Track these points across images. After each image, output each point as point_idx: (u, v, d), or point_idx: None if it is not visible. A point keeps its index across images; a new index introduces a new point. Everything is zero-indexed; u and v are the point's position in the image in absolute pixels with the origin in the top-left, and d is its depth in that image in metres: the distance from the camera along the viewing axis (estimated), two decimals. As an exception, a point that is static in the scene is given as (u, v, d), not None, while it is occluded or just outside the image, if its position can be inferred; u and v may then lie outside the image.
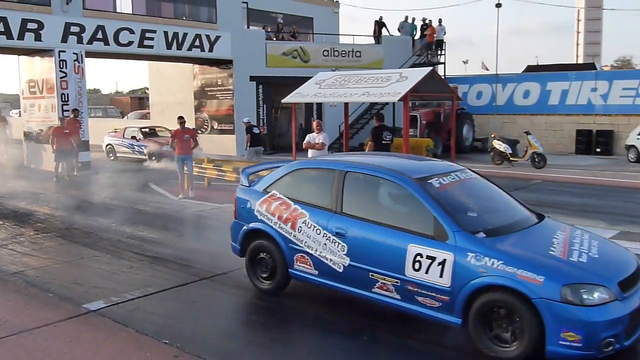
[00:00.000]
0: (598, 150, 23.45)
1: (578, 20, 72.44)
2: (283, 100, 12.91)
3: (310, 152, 12.71)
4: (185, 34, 22.09)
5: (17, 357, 5.21)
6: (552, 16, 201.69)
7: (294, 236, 6.07)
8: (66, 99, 19.31)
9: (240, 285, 7.15)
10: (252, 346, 5.36)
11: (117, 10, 20.91)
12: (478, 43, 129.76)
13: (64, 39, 19.22)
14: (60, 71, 19.17)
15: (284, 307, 6.40)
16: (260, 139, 16.47)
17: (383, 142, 11.67)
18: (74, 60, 19.43)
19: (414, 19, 28.76)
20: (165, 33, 21.61)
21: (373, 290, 5.49)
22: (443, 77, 26.58)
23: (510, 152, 20.01)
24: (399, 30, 28.49)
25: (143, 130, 22.40)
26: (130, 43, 20.83)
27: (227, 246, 9.33)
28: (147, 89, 32.96)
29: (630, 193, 14.51)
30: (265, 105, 24.77)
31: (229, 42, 23.27)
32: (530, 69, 28.85)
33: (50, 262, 8.41)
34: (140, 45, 21.13)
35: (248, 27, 25.86)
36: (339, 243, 5.70)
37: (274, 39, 25.68)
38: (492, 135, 21.50)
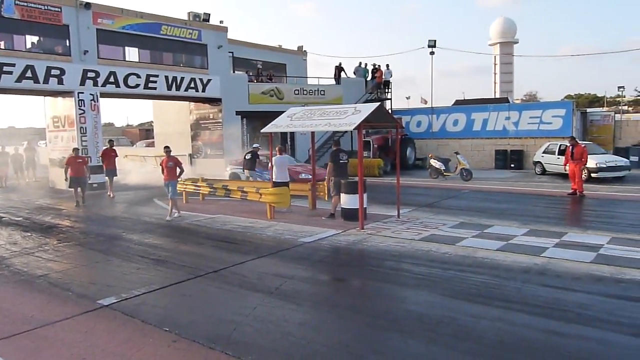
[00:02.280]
0: (512, 165, 23.85)
1: (495, 64, 73.95)
2: (262, 131, 12.85)
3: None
4: (182, 78, 21.92)
5: (40, 347, 5.04)
6: (475, 60, 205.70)
7: None
8: (84, 132, 18.99)
9: (227, 281, 7.06)
10: (237, 330, 5.28)
11: (126, 59, 20.68)
12: (418, 82, 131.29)
13: (82, 83, 18.93)
14: (80, 109, 18.85)
15: (266, 297, 6.33)
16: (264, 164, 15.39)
17: (340, 161, 11.74)
18: (91, 100, 19.12)
19: (366, 64, 28.98)
20: (166, 77, 21.42)
21: None
22: (390, 110, 26.96)
23: (444, 168, 20.24)
24: (354, 73, 28.67)
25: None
26: (137, 85, 20.59)
27: (216, 249, 9.29)
28: (153, 122, 32.51)
29: (536, 199, 14.76)
30: (248, 135, 24.66)
31: (218, 84, 23.16)
32: (458, 102, 29.27)
33: (70, 266, 8.19)
34: (146, 87, 20.90)
35: (234, 72, 25.73)
36: None
37: (255, 81, 25.60)
38: (429, 155, 21.73)
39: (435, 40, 27.91)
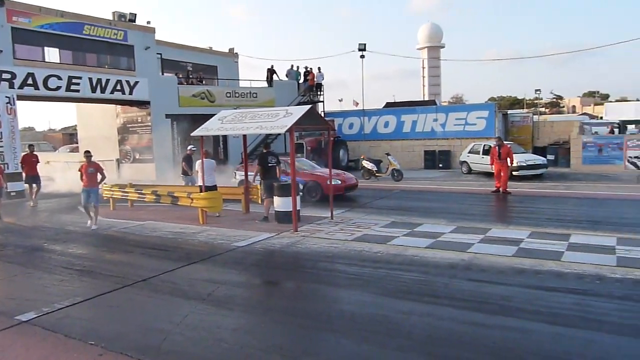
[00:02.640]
0: (440, 165, 24.78)
1: (423, 68, 76.37)
2: (192, 134, 12.59)
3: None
4: (107, 80, 21.10)
5: (-50, 369, 4.68)
6: (406, 64, 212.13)
7: None
8: (0, 137, 17.80)
9: (157, 290, 6.85)
10: (167, 339, 5.13)
11: (46, 60, 19.63)
12: (351, 85, 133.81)
13: (-4, 85, 17.78)
14: (-6, 112, 17.67)
15: (198, 304, 6.20)
16: None
17: (269, 164, 11.79)
18: (7, 103, 17.98)
19: (298, 67, 29.11)
20: (90, 79, 20.55)
21: None
22: (322, 112, 27.25)
23: (376, 169, 20.68)
24: (286, 75, 28.71)
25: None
26: (58, 88, 19.61)
27: (145, 256, 8.98)
28: (77, 126, 31.00)
29: (463, 197, 15.41)
30: (179, 138, 24.07)
31: (146, 86, 22.48)
32: (388, 105, 29.98)
33: (-15, 280, 7.65)
34: (68, 89, 19.94)
35: (162, 74, 25.09)
36: None
37: (185, 83, 25.06)
38: (362, 157, 22.12)
39: (365, 44, 28.52)
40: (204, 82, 26.25)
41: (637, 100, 63.84)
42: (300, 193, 13.70)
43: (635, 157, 20.85)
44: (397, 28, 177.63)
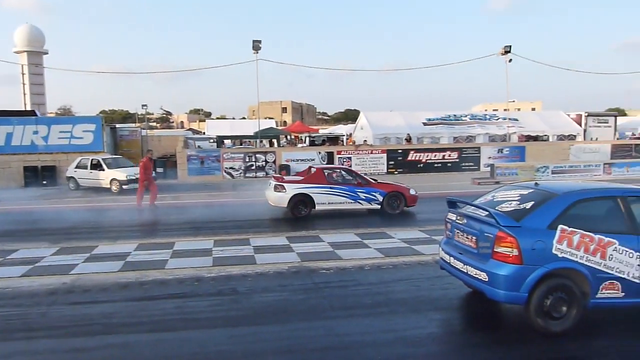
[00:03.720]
0: (45, 182, 22.49)
1: (23, 74, 68.24)
2: None
3: None
4: None
5: None
6: (3, 69, 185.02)
7: (604, 265, 5.24)
8: None
9: None
10: None
11: None
12: None
13: None
14: None
15: None
16: None
17: None
18: None
19: None
20: None
21: None
22: None
23: (-41, 190, 17.25)
24: None
25: None
26: None
27: None
28: None
29: (67, 214, 14.21)
30: None
31: None
32: (-26, 114, 25.40)
33: None
34: None
35: None
36: None
37: None
38: None
39: None
40: None
41: (233, 118, 73.77)
42: (378, 206, 13.09)
43: (230, 168, 23.89)
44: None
